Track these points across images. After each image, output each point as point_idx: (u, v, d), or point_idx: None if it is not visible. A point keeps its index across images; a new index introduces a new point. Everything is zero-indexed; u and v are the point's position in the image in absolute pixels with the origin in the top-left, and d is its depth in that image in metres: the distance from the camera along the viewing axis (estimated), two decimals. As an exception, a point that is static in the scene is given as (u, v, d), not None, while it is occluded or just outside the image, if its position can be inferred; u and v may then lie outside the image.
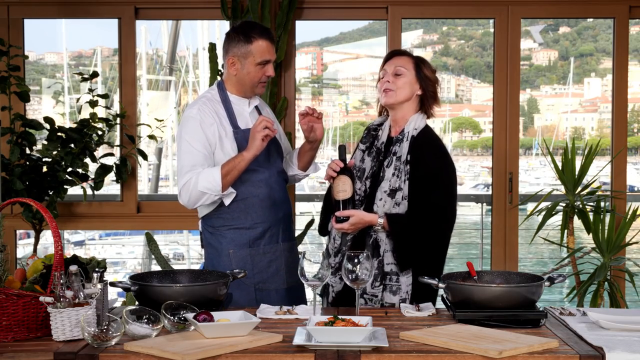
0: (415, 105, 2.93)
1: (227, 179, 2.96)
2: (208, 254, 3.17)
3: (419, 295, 2.82)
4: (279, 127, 3.33)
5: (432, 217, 2.79)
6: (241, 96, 3.14)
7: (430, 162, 2.85)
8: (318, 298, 2.52)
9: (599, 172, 4.59)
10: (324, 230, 3.09)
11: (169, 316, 2.30)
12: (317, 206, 3.58)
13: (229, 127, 3.07)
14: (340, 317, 2.24)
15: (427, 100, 2.93)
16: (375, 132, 3.00)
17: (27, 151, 4.14)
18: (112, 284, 2.54)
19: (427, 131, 2.93)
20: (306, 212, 4.35)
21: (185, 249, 12.23)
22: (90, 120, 4.22)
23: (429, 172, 2.83)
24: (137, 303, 2.55)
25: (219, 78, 4.43)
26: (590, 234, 4.40)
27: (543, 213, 4.44)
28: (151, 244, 4.40)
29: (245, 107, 3.15)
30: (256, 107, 3.21)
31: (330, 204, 3.00)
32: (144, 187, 11.62)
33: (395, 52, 2.99)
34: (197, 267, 6.43)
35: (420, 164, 2.84)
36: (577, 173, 4.44)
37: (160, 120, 4.50)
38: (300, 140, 3.43)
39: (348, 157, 2.98)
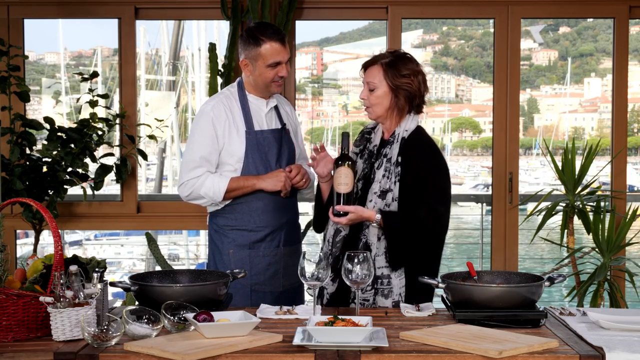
0: (400, 108, 2.87)
1: (230, 194, 3.07)
2: (211, 250, 3.21)
3: (413, 296, 2.80)
4: (297, 128, 3.33)
5: (424, 217, 2.77)
6: (259, 96, 3.16)
7: (421, 163, 2.83)
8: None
9: (599, 172, 4.59)
10: (318, 226, 3.07)
11: (169, 316, 2.30)
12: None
13: (242, 126, 3.09)
14: (340, 317, 2.24)
15: (408, 101, 2.87)
16: (368, 135, 2.98)
17: (27, 151, 4.14)
18: (112, 284, 2.54)
19: (418, 132, 2.90)
20: (306, 213, 4.35)
21: (184, 250, 12.22)
22: (90, 120, 4.22)
23: (419, 173, 2.81)
24: (137, 303, 2.55)
25: (216, 78, 4.45)
26: (590, 234, 4.40)
27: (543, 213, 4.44)
28: (151, 244, 4.40)
29: (263, 107, 3.17)
30: (275, 107, 3.22)
31: (321, 200, 3.00)
32: (142, 187, 11.61)
33: (366, 63, 2.92)
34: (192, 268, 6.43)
35: (410, 166, 2.82)
36: (577, 173, 4.44)
37: (160, 120, 4.50)
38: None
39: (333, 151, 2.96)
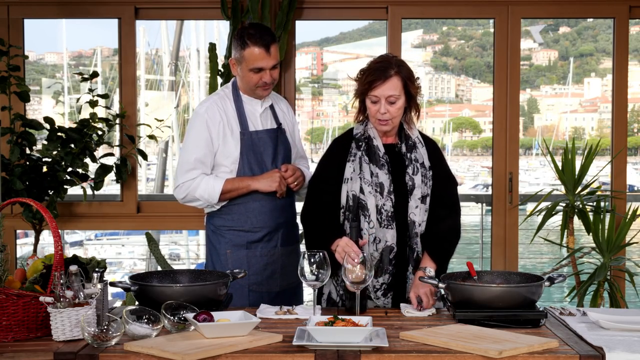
0: (409, 114, 2.89)
1: (226, 195, 3.06)
2: (208, 251, 3.21)
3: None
4: (295, 127, 3.32)
5: (454, 224, 2.89)
6: (252, 96, 3.14)
7: (440, 161, 2.91)
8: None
9: (599, 172, 4.59)
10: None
11: (169, 316, 2.30)
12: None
13: (236, 127, 3.07)
14: (340, 317, 2.24)
15: (415, 105, 2.85)
16: (368, 141, 2.86)
17: (27, 151, 4.14)
18: (112, 284, 2.54)
19: (421, 132, 2.96)
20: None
21: (184, 250, 12.22)
22: (90, 120, 4.22)
23: (440, 173, 2.88)
24: (137, 303, 2.55)
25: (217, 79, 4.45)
26: (590, 234, 4.40)
27: (543, 213, 4.44)
28: (151, 244, 4.40)
29: (257, 107, 3.14)
30: (271, 106, 3.20)
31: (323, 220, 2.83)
32: (142, 187, 11.62)
33: (385, 75, 2.74)
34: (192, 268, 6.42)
35: (435, 166, 2.88)
36: (577, 173, 4.44)
37: (160, 120, 4.50)
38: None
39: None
